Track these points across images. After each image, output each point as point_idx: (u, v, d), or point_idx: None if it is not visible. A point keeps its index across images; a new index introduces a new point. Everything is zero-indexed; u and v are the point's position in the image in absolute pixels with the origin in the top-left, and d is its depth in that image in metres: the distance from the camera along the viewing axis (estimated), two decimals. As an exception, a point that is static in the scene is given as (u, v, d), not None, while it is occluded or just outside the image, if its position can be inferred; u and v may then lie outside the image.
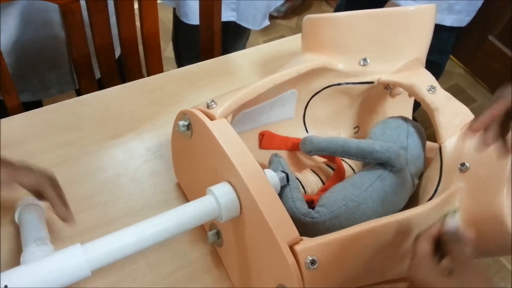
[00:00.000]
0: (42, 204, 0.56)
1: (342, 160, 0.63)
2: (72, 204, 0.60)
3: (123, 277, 0.55)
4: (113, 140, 0.70)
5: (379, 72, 0.63)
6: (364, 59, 0.62)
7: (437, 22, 1.28)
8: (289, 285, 0.42)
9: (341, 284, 0.47)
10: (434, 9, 0.63)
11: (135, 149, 0.69)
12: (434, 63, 1.49)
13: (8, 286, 0.39)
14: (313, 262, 0.42)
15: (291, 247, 0.42)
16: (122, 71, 0.98)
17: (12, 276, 0.40)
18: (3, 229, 0.57)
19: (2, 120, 0.71)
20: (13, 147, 0.67)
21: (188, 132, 0.54)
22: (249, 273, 0.50)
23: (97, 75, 0.96)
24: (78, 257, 0.41)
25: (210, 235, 0.55)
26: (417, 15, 0.62)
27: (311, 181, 0.60)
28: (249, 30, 1.48)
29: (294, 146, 0.64)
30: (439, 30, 1.32)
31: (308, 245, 0.43)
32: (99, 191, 0.63)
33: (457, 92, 1.95)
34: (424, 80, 0.60)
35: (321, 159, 0.66)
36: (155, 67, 0.95)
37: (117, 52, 0.98)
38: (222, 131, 0.49)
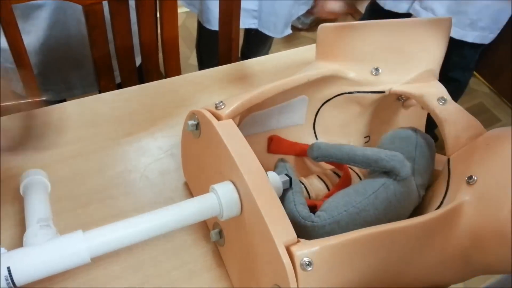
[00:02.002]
0: (47, 180, 0.58)
1: (350, 168, 0.63)
2: (83, 197, 0.63)
3: (125, 269, 0.56)
4: (127, 138, 0.72)
5: (391, 82, 0.63)
6: (376, 69, 0.63)
7: (459, 38, 1.28)
8: (284, 286, 0.43)
9: (349, 283, 0.46)
10: (450, 22, 0.63)
11: (147, 148, 0.71)
12: (456, 80, 1.47)
13: (11, 268, 0.40)
14: (308, 264, 0.42)
15: (288, 248, 0.42)
16: (142, 78, 1.01)
17: (15, 258, 0.41)
18: (7, 199, 0.60)
19: (23, 113, 0.74)
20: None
21: (197, 132, 0.55)
22: (247, 273, 0.51)
23: (118, 79, 0.99)
24: (79, 244, 0.42)
25: (212, 234, 0.56)
26: (432, 26, 0.62)
27: (316, 187, 0.60)
28: (271, 39, 1.50)
29: (302, 152, 0.65)
30: (462, 46, 1.32)
31: (305, 247, 0.43)
32: (109, 185, 0.65)
33: (481, 111, 1.92)
34: (435, 92, 0.59)
35: (329, 166, 0.66)
36: (173, 71, 0.98)
37: (138, 61, 1.01)
38: (228, 131, 0.50)
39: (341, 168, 0.62)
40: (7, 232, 0.57)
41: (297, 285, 0.42)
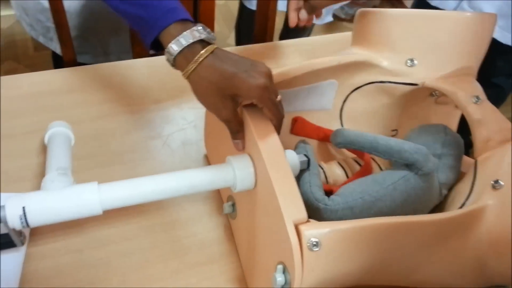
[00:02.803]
0: (71, 132, 0.60)
1: (372, 158, 0.62)
2: (104, 157, 0.64)
3: (136, 231, 0.57)
4: (154, 105, 0.73)
5: (425, 75, 0.60)
6: (412, 60, 0.60)
7: (505, 42, 1.22)
8: (288, 264, 0.42)
9: (343, 276, 0.46)
10: (494, 18, 0.60)
11: (172, 117, 0.71)
12: (499, 86, 1.41)
13: (26, 208, 0.41)
14: (316, 244, 0.41)
15: (297, 227, 0.42)
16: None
17: (31, 199, 0.42)
18: (33, 152, 0.62)
19: (57, 70, 0.76)
20: (61, 95, 0.71)
21: None
22: (255, 248, 0.51)
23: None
24: (93, 194, 0.43)
25: (226, 206, 0.56)
26: (475, 21, 0.59)
27: (335, 173, 0.59)
28: (312, 25, 1.47)
29: (325, 137, 0.63)
30: (507, 52, 1.25)
31: (314, 227, 0.42)
32: (131, 149, 0.66)
33: (521, 122, 1.83)
34: (470, 90, 0.57)
35: (351, 155, 0.65)
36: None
37: None
38: (251, 106, 0.50)
39: (363, 157, 0.61)
40: (29, 182, 0.59)
41: (302, 265, 0.41)
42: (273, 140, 0.47)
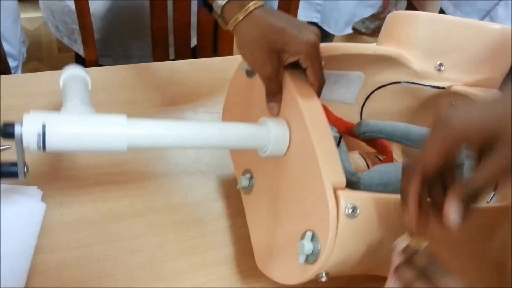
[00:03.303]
0: (88, 76, 0.56)
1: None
2: (120, 155, 0.65)
3: (145, 229, 0.56)
4: (170, 107, 0.73)
5: (453, 80, 0.60)
6: (441, 64, 0.60)
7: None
8: (319, 231, 0.40)
9: (370, 253, 0.43)
10: None
11: (187, 119, 0.72)
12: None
13: (46, 125, 0.37)
14: (354, 209, 0.39)
15: (335, 192, 0.40)
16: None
17: (53, 118, 0.38)
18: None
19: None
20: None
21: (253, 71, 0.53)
22: (273, 221, 0.48)
23: (172, 56, 1.02)
24: (121, 127, 0.39)
25: (242, 179, 0.54)
26: (505, 35, 0.60)
27: (356, 162, 0.58)
28: (331, 37, 1.48)
29: (345, 130, 0.62)
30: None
31: (353, 194, 0.40)
32: (146, 149, 0.67)
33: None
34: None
35: (372, 150, 0.64)
36: (225, 51, 0.99)
37: (193, 42, 1.03)
38: (291, 70, 0.48)
39: (383, 152, 0.60)
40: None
41: (336, 233, 0.39)
42: (315, 103, 0.45)
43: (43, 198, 0.56)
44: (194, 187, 0.63)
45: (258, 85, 0.51)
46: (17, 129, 0.36)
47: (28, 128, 0.36)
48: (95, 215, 0.57)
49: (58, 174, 0.60)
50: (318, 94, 0.47)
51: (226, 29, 0.48)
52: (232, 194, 0.62)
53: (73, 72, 0.55)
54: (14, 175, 0.40)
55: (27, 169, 0.41)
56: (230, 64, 0.83)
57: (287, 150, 0.46)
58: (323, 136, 0.42)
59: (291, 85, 0.46)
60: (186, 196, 0.61)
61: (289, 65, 0.48)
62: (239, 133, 0.45)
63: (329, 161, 0.41)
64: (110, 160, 0.64)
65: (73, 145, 0.38)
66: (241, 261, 0.56)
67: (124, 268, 0.52)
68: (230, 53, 1.00)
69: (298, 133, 0.45)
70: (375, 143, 0.62)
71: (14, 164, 0.40)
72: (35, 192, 0.56)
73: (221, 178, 0.65)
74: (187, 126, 0.43)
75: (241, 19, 0.45)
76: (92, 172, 0.62)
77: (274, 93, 0.47)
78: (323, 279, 0.41)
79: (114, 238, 0.55)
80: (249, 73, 0.54)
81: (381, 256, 0.44)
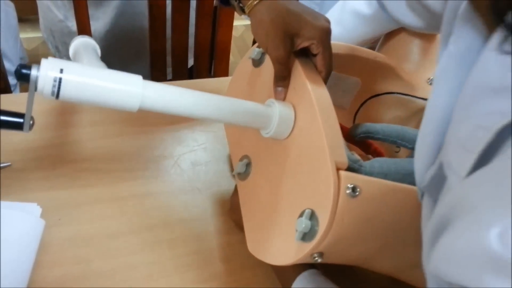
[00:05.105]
0: (97, 45, 0.58)
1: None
2: (119, 172, 0.66)
3: (142, 246, 0.57)
4: (168, 126, 0.75)
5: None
6: (432, 79, 0.63)
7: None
8: (319, 208, 0.41)
9: (366, 239, 0.44)
10: None
11: (184, 138, 0.74)
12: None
13: (64, 71, 0.36)
14: (354, 189, 0.40)
15: (337, 171, 0.41)
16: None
17: (71, 66, 0.37)
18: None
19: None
20: (78, 114, 0.74)
21: (259, 61, 0.55)
22: (270, 204, 0.49)
23: (169, 76, 1.04)
24: (136, 86, 0.39)
25: (239, 164, 0.54)
26: None
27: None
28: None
29: (342, 133, 0.64)
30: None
31: (354, 175, 0.41)
32: (144, 167, 0.68)
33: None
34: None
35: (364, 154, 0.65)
36: (221, 72, 1.02)
37: (190, 62, 1.06)
38: (300, 57, 0.49)
39: (379, 155, 0.61)
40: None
41: (336, 211, 0.39)
42: (323, 89, 0.46)
43: (42, 215, 0.57)
44: (191, 204, 0.64)
45: (263, 74, 0.52)
46: (33, 72, 0.35)
47: (46, 71, 0.36)
48: (93, 231, 0.58)
49: (58, 191, 0.62)
50: (325, 82, 0.48)
51: (241, 14, 0.49)
52: (228, 211, 0.63)
53: (82, 40, 0.57)
54: (18, 126, 0.38)
55: (33, 122, 0.40)
56: (225, 85, 0.85)
57: (289, 134, 0.47)
58: (329, 119, 0.44)
59: (300, 71, 0.47)
60: (183, 212, 0.63)
61: (298, 52, 0.49)
62: (248, 109, 0.46)
63: (334, 142, 0.42)
64: (108, 177, 0.65)
65: (86, 95, 0.38)
66: (236, 276, 0.57)
67: (121, 284, 0.53)
68: (225, 74, 1.02)
69: (305, 115, 0.45)
70: (368, 148, 0.63)
71: (20, 115, 0.38)
72: (34, 208, 0.57)
73: (217, 195, 0.66)
74: (199, 95, 0.44)
75: (258, 2, 0.46)
76: (90, 189, 0.63)
77: (283, 78, 0.48)
78: (318, 259, 0.42)
79: (112, 254, 0.56)
80: (256, 63, 0.55)
81: (375, 246, 0.45)
